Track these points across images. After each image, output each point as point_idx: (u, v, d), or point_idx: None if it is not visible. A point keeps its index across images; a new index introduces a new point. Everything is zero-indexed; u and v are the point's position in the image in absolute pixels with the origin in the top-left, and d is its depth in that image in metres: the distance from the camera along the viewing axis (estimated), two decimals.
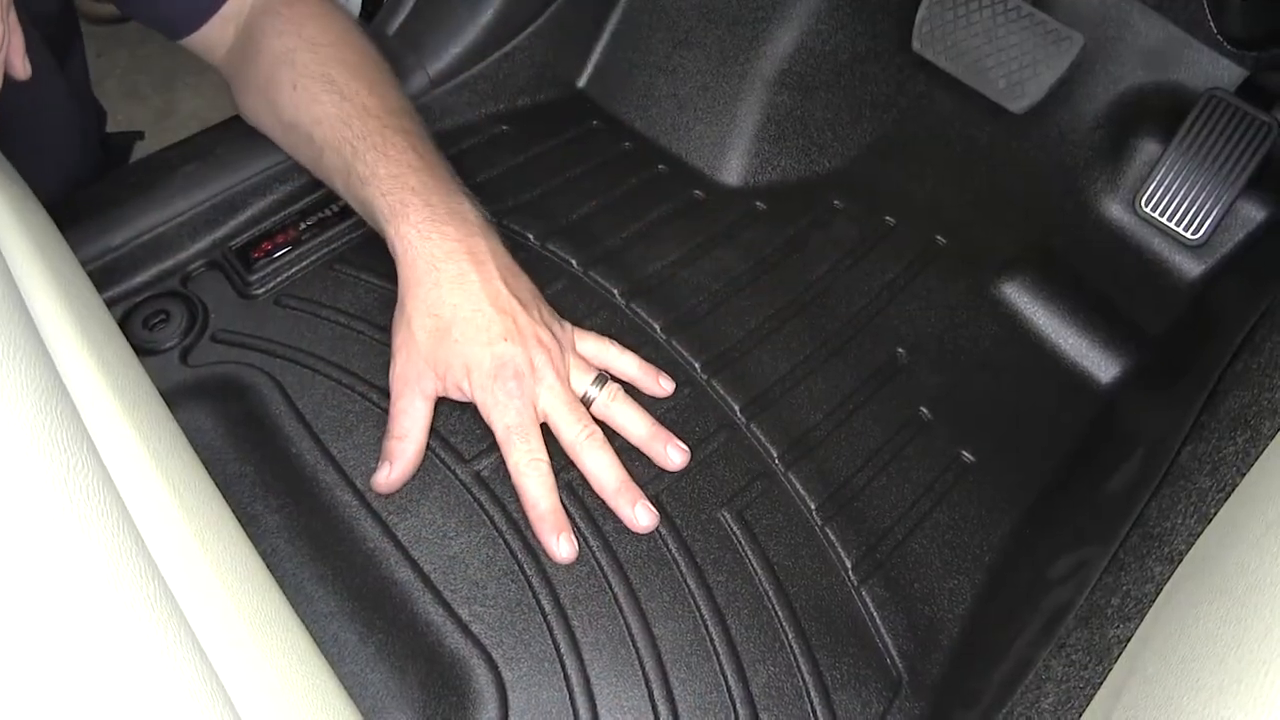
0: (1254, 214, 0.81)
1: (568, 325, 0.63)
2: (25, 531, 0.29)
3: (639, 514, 0.56)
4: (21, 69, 0.56)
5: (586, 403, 0.60)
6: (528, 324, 0.58)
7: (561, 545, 0.54)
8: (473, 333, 0.57)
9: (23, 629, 0.28)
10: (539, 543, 0.55)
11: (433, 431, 0.59)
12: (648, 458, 0.60)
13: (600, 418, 0.60)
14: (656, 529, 0.56)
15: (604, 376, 0.61)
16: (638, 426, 0.60)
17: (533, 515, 0.55)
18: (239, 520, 0.44)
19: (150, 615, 0.31)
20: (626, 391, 0.61)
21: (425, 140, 0.65)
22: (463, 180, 0.64)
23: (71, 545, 0.30)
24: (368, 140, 0.61)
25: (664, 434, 0.60)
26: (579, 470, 0.57)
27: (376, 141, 0.61)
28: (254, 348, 0.63)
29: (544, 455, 0.56)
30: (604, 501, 0.57)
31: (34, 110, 0.73)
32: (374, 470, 0.56)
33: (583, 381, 0.60)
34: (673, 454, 0.59)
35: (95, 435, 0.37)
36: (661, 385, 0.63)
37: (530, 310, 0.59)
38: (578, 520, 0.56)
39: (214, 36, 0.70)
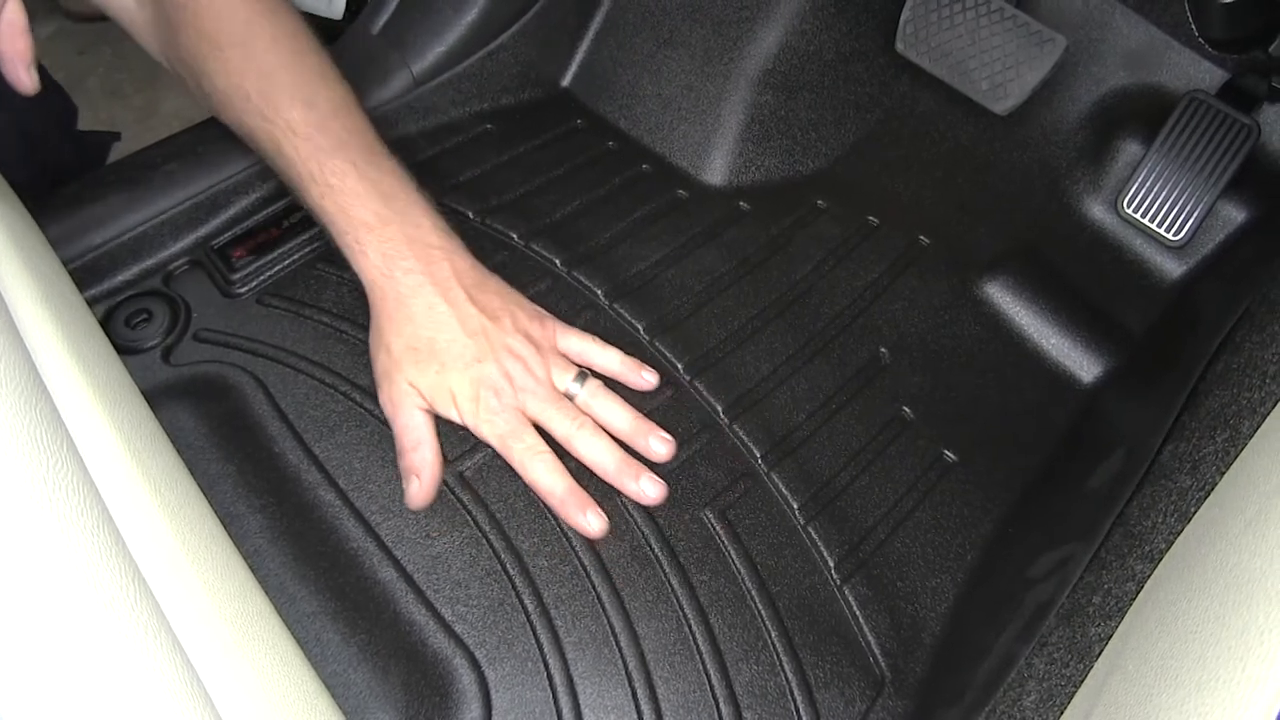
0: (1234, 215, 0.82)
1: (550, 322, 0.62)
2: (3, 530, 0.29)
3: (645, 487, 0.57)
4: (29, 83, 0.55)
5: (569, 399, 0.60)
6: (498, 336, 0.58)
7: (591, 520, 0.55)
8: (450, 360, 0.57)
9: (1, 629, 0.28)
10: (570, 523, 0.55)
11: None
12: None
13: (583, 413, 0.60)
14: (639, 529, 0.56)
15: (584, 373, 0.61)
16: (620, 420, 0.60)
17: (552, 502, 0.56)
18: (221, 520, 0.44)
19: (130, 615, 0.31)
20: (611, 388, 0.61)
21: (365, 145, 0.60)
22: (447, 179, 0.63)
23: (50, 544, 0.30)
24: (304, 169, 0.58)
25: (646, 425, 0.60)
26: (576, 462, 0.58)
27: (314, 170, 0.58)
28: (236, 347, 0.62)
29: (543, 446, 0.57)
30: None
31: None
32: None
33: (564, 379, 0.60)
34: (655, 445, 0.59)
35: (75, 434, 0.37)
36: (644, 378, 0.63)
37: (500, 322, 0.59)
38: (558, 520, 0.56)
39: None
